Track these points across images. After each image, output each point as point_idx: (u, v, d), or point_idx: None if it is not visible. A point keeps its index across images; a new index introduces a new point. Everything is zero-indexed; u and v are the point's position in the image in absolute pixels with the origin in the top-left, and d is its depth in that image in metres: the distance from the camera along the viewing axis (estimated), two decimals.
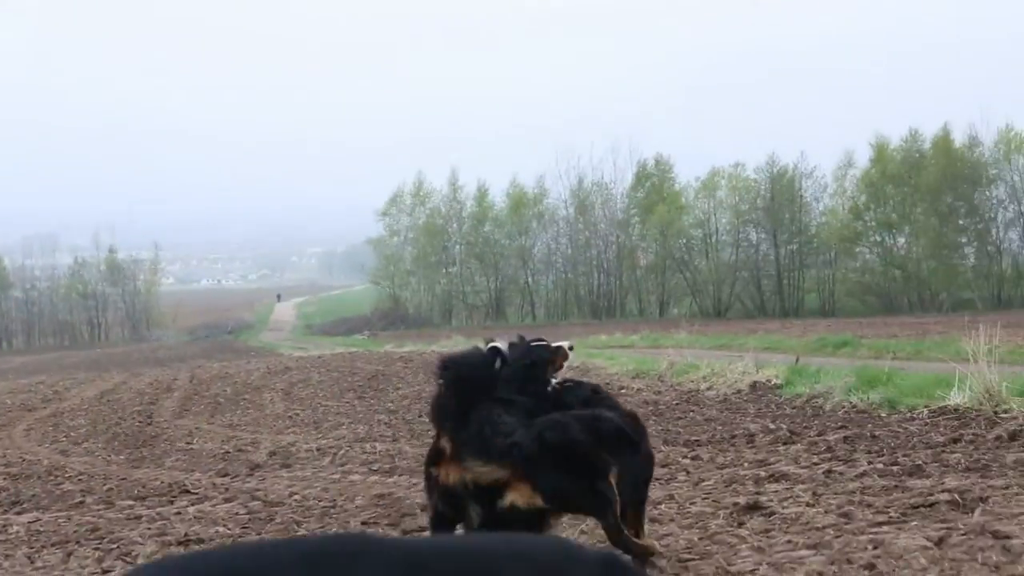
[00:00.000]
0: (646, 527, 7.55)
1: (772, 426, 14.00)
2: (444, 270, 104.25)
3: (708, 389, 19.24)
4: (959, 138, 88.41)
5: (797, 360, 22.53)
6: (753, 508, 9.00)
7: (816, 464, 11.04)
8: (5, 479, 14.69)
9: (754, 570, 6.85)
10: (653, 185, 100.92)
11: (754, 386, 18.59)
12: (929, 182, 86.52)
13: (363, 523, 10.13)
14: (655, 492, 10.24)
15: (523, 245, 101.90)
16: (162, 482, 13.29)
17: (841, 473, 10.32)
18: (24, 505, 12.55)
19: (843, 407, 15.03)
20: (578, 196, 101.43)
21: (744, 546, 7.67)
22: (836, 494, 9.52)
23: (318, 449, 15.08)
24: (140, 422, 21.27)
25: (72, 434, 20.23)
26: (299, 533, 9.89)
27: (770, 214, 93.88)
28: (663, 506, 9.52)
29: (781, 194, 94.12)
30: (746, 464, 11.54)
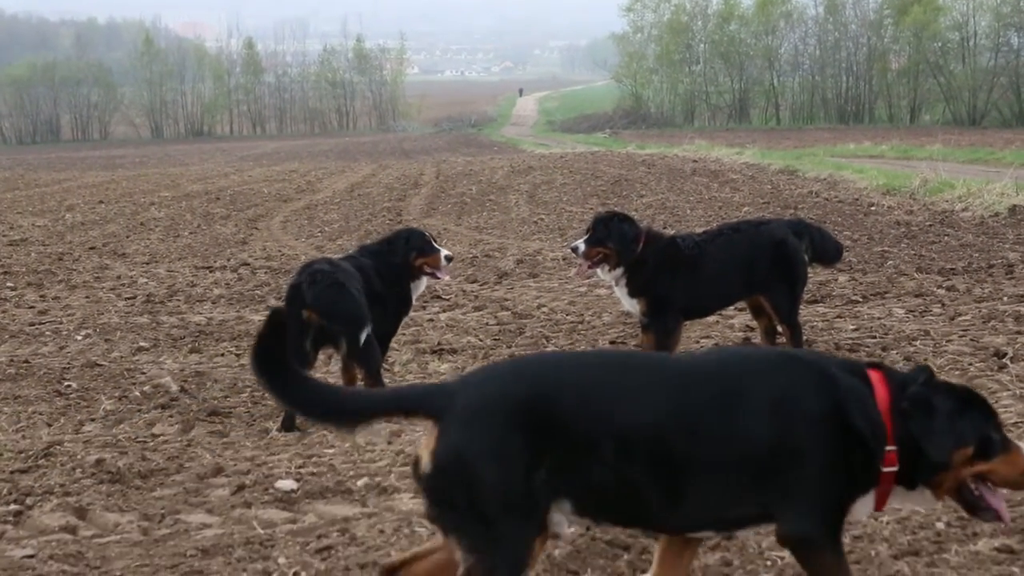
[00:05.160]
0: None
1: None
2: (687, 69, 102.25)
3: (963, 210, 18.59)
4: None
5: None
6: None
7: None
8: (267, 273, 15.30)
9: (1017, 423, 6.66)
10: None
11: (1013, 210, 17.82)
12: None
13: (611, 342, 10.23)
14: (908, 326, 10.03)
15: (769, 45, 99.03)
16: None
17: None
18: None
19: None
20: None
21: (1005, 394, 7.45)
22: None
23: (563, 259, 15.20)
24: (390, 220, 21.67)
25: (326, 229, 20.86)
26: (548, 348, 10.07)
27: None
28: (918, 343, 9.29)
29: None
30: (1005, 299, 11.16)
